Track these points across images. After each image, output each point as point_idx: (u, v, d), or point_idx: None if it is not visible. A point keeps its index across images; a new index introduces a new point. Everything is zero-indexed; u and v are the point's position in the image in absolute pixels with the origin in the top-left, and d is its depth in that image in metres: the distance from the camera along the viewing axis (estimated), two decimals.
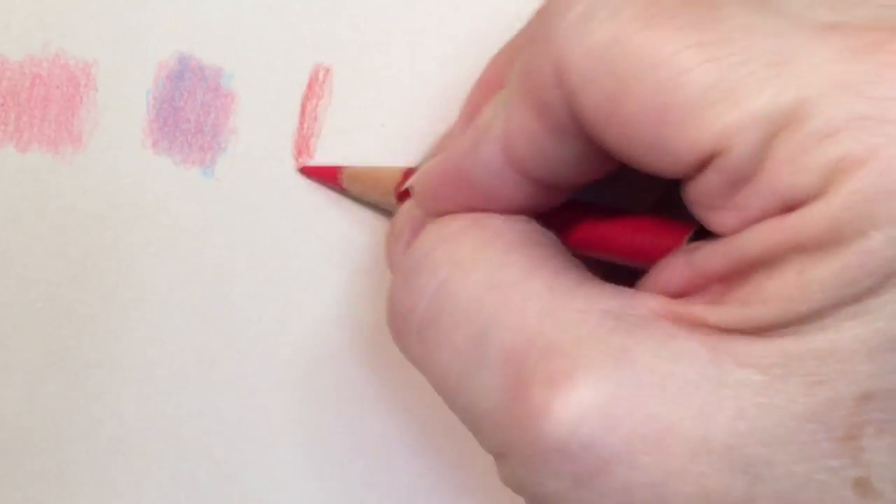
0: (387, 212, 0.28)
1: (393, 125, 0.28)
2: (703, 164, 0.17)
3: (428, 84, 0.28)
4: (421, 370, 0.21)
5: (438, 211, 0.22)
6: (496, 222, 0.21)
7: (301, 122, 0.28)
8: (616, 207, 0.22)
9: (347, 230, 0.28)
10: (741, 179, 0.17)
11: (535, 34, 0.19)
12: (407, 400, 0.29)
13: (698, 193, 0.18)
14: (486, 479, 0.29)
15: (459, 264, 0.20)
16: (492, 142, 0.20)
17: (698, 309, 0.18)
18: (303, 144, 0.28)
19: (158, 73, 0.28)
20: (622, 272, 0.21)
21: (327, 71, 0.28)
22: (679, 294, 0.18)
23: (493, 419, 0.19)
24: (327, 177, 0.27)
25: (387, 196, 0.26)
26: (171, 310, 0.28)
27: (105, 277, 0.28)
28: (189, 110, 0.28)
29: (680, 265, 0.19)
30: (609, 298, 0.19)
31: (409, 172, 0.25)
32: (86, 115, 0.28)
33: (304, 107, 0.28)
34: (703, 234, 0.19)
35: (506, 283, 0.19)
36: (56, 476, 0.29)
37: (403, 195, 0.24)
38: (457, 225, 0.21)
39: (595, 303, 0.18)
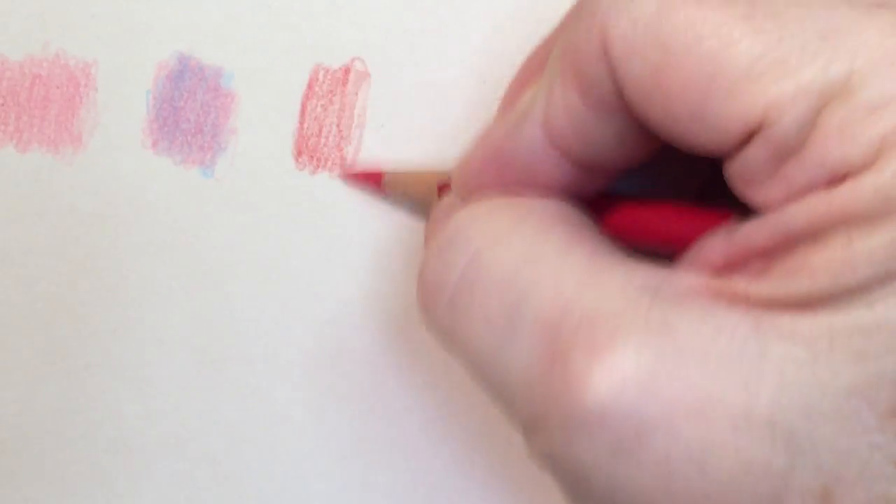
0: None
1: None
2: (749, 137, 0.17)
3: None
4: (450, 343, 0.20)
5: (478, 193, 0.22)
6: (532, 200, 0.21)
7: (301, 122, 0.28)
8: (654, 197, 0.21)
9: (348, 230, 0.28)
10: (788, 151, 0.17)
11: (578, 10, 0.19)
12: (407, 400, 0.29)
13: (742, 168, 0.18)
14: (487, 480, 0.29)
15: (494, 238, 0.20)
16: (533, 120, 0.20)
17: (740, 284, 0.17)
18: (303, 144, 0.28)
19: (158, 73, 0.28)
20: (659, 262, 0.21)
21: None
22: (719, 272, 0.18)
23: (527, 389, 0.18)
24: (370, 181, 0.27)
25: (429, 195, 0.25)
26: (171, 310, 0.28)
27: (105, 277, 0.28)
28: (189, 110, 0.28)
29: (719, 243, 0.18)
30: (647, 275, 0.18)
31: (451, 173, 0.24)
32: (86, 115, 0.28)
33: (304, 107, 0.28)
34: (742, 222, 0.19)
35: (542, 256, 0.19)
36: (56, 476, 0.29)
37: (444, 189, 0.24)
38: (492, 203, 0.21)
39: (633, 278, 0.18)
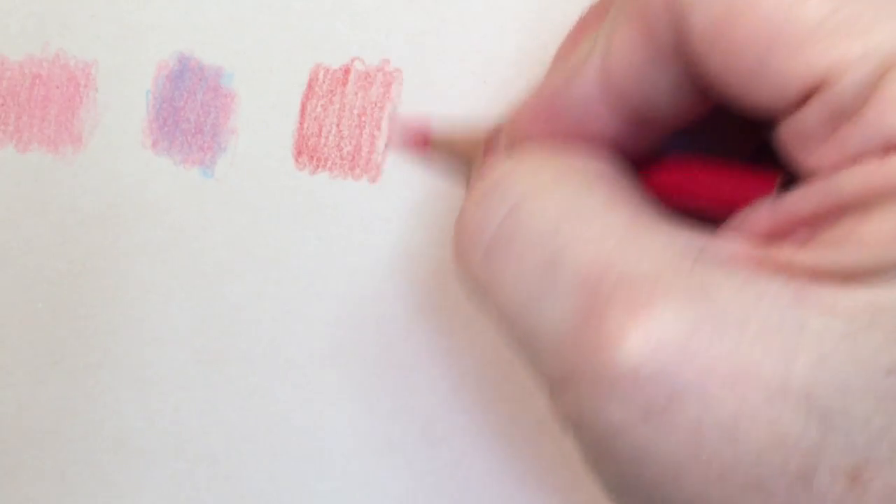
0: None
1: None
2: (807, 97, 0.17)
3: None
4: (483, 294, 0.20)
5: (529, 141, 0.21)
6: (576, 157, 0.20)
7: (301, 122, 0.28)
8: (698, 158, 0.21)
9: (348, 230, 0.28)
10: (844, 115, 0.16)
11: None
12: (407, 400, 0.29)
13: (795, 130, 0.17)
14: (487, 480, 0.29)
15: (536, 189, 0.20)
16: (590, 68, 0.20)
17: (784, 252, 0.17)
18: (303, 144, 0.28)
19: (158, 73, 0.28)
20: (703, 227, 0.20)
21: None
22: (764, 240, 0.18)
23: (560, 345, 0.18)
24: (417, 143, 0.26)
25: (475, 155, 0.25)
26: (171, 310, 0.28)
27: (105, 277, 0.28)
28: (189, 110, 0.28)
29: (765, 211, 0.18)
30: (690, 239, 0.18)
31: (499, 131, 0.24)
32: (86, 115, 0.28)
33: (303, 107, 0.28)
34: (792, 186, 0.18)
35: (584, 211, 0.19)
36: (56, 476, 0.29)
37: (490, 151, 0.23)
38: (537, 155, 0.21)
39: (675, 240, 0.18)
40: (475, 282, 0.20)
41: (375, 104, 0.28)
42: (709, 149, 0.22)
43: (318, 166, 0.28)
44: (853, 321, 0.16)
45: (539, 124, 0.21)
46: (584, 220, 0.19)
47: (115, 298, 0.28)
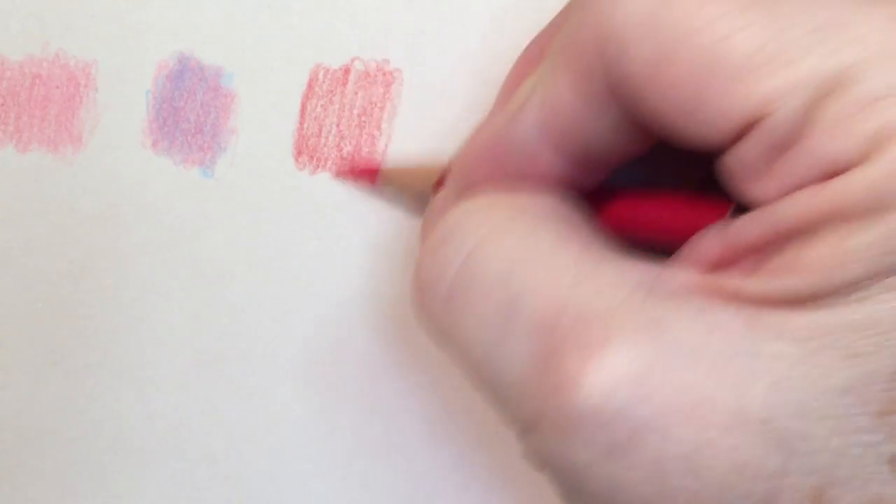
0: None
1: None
2: (745, 131, 0.17)
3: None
4: (445, 342, 0.20)
5: (473, 188, 0.22)
6: (526, 197, 0.21)
7: (301, 122, 0.28)
8: (649, 190, 0.21)
9: (348, 230, 0.28)
10: (782, 145, 0.17)
11: (576, 3, 0.19)
12: (407, 400, 0.29)
13: (736, 163, 0.18)
14: (487, 480, 0.29)
15: (488, 236, 0.20)
16: (530, 112, 0.20)
17: (732, 281, 0.17)
18: (303, 144, 0.28)
19: (158, 73, 0.28)
20: (653, 258, 0.21)
21: (347, 71, 0.28)
22: (712, 268, 0.18)
23: (522, 388, 0.18)
24: (366, 176, 0.27)
25: (425, 191, 0.25)
26: (171, 310, 0.28)
27: (105, 277, 0.28)
28: (189, 110, 0.28)
29: (713, 239, 0.18)
30: (640, 271, 0.18)
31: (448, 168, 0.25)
32: (86, 115, 0.28)
33: (303, 107, 0.28)
34: (741, 213, 0.18)
35: (535, 254, 0.19)
36: (56, 476, 0.29)
37: (440, 185, 0.24)
38: (486, 199, 0.21)
39: (626, 275, 0.18)
40: (437, 330, 0.21)
41: (375, 104, 0.28)
42: (658, 179, 0.22)
43: (318, 166, 0.28)
44: (804, 344, 0.16)
45: (485, 166, 0.21)
46: (536, 262, 0.19)
47: (115, 298, 0.28)
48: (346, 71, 0.27)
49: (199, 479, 0.29)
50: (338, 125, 0.28)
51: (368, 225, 0.28)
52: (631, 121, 0.19)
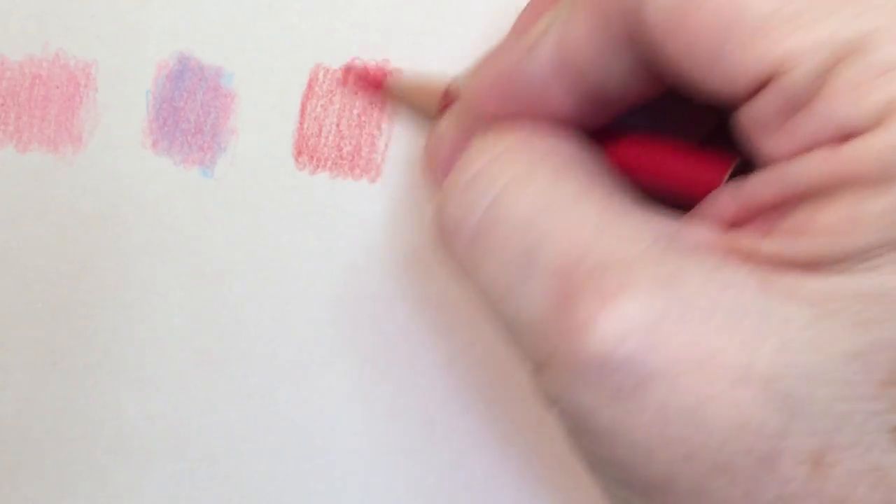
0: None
1: None
2: (762, 85, 0.17)
3: None
4: (468, 278, 0.21)
5: (482, 120, 0.22)
6: (548, 142, 0.21)
7: (301, 122, 0.28)
8: (654, 134, 0.22)
9: (347, 230, 0.28)
10: (797, 104, 0.17)
11: None
12: (407, 400, 0.29)
13: (750, 118, 0.18)
14: (487, 479, 0.29)
15: (512, 182, 0.20)
16: (547, 46, 0.20)
17: (749, 240, 0.18)
18: (303, 144, 0.28)
19: (158, 73, 0.28)
20: (670, 209, 0.21)
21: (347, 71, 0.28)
22: (729, 226, 0.18)
23: (538, 329, 0.19)
24: (370, 84, 0.27)
25: (428, 106, 0.25)
26: (171, 310, 0.28)
27: (105, 277, 0.28)
28: (189, 110, 0.28)
29: (730, 196, 0.18)
30: (659, 225, 0.19)
31: (454, 90, 0.24)
32: (86, 115, 0.28)
33: (303, 107, 0.28)
34: (747, 169, 0.19)
35: (558, 202, 0.19)
36: (56, 476, 0.29)
37: (445, 106, 0.24)
38: (508, 142, 0.21)
39: (645, 228, 0.18)
40: (461, 266, 0.21)
41: (375, 104, 0.28)
42: (666, 125, 0.22)
43: (318, 166, 0.28)
44: (815, 308, 0.16)
45: (496, 98, 0.22)
46: (558, 210, 0.19)
47: (115, 298, 0.28)
48: (347, 71, 0.27)
49: (199, 479, 0.29)
50: (338, 125, 0.28)
51: (368, 225, 0.28)
52: (646, 67, 0.19)
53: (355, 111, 0.28)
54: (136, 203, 0.28)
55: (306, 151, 0.28)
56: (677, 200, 0.20)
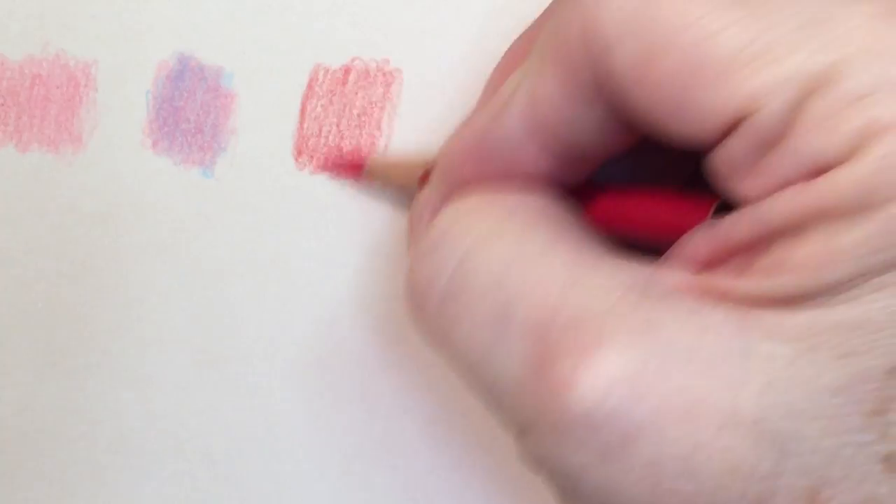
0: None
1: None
2: (731, 128, 0.17)
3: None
4: (439, 346, 0.21)
5: (459, 185, 0.22)
6: (515, 198, 0.21)
7: (301, 122, 0.28)
8: (633, 186, 0.21)
9: (347, 230, 0.28)
10: (769, 142, 0.17)
11: (561, 1, 0.19)
12: (407, 400, 0.29)
13: (723, 161, 0.18)
14: (487, 480, 0.29)
15: (480, 239, 0.20)
16: (515, 109, 0.20)
17: (723, 281, 0.17)
18: (303, 144, 0.28)
19: (158, 73, 0.28)
20: (643, 255, 0.21)
21: (347, 71, 0.28)
22: (703, 267, 0.18)
23: (517, 392, 0.18)
24: (350, 168, 0.27)
25: (410, 184, 0.25)
26: (171, 310, 0.28)
27: (105, 277, 0.28)
28: (189, 110, 0.28)
29: (703, 238, 0.18)
30: (632, 272, 0.18)
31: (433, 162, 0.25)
32: (86, 115, 0.28)
33: (303, 107, 0.28)
34: (726, 210, 0.18)
35: (527, 256, 0.19)
36: (56, 476, 0.29)
37: (425, 179, 0.24)
38: (476, 201, 0.21)
39: (618, 276, 0.18)
40: (431, 335, 0.21)
41: (375, 104, 0.28)
42: (645, 173, 0.22)
43: (318, 166, 0.28)
44: (796, 344, 0.16)
45: (470, 163, 0.21)
46: (528, 265, 0.19)
47: (115, 298, 0.28)
48: (346, 71, 0.27)
49: (199, 479, 0.29)
50: (338, 125, 0.28)
51: (368, 225, 0.28)
52: (617, 117, 0.19)
53: (355, 111, 0.28)
54: (135, 203, 0.28)
55: (306, 151, 0.28)
56: (663, 248, 0.20)
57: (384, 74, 0.27)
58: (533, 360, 0.18)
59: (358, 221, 0.28)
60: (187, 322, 0.28)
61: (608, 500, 0.17)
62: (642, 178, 0.22)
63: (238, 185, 0.28)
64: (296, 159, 0.28)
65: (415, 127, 0.27)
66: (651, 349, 0.17)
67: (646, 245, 0.20)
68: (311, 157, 0.28)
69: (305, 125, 0.28)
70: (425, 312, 0.21)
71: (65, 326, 0.29)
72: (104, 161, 0.28)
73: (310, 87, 0.28)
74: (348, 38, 0.27)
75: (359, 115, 0.28)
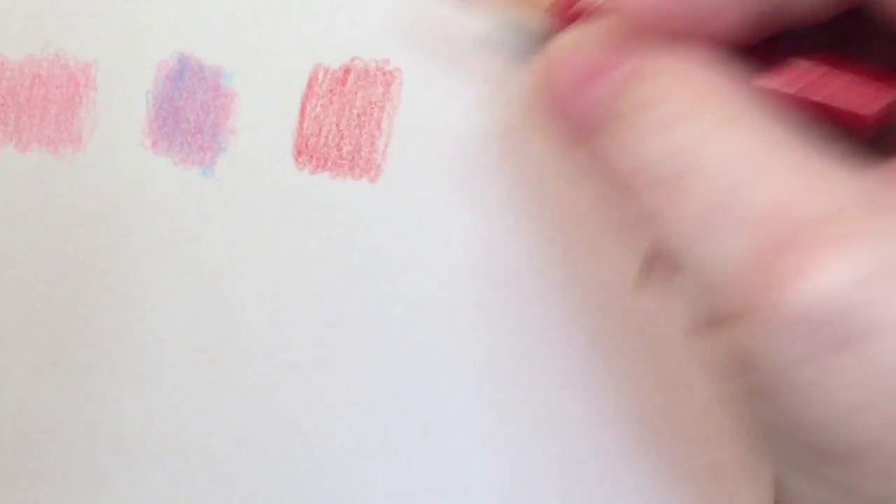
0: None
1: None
2: None
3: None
4: (650, 221, 0.20)
5: (640, 32, 0.20)
6: (721, 74, 0.20)
7: (301, 122, 0.28)
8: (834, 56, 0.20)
9: (347, 230, 0.28)
10: None
11: None
12: (407, 400, 0.29)
13: None
14: (487, 480, 0.29)
15: (708, 127, 0.19)
16: None
17: None
18: (303, 144, 0.28)
19: (158, 73, 0.28)
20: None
21: (347, 71, 0.28)
22: None
23: (730, 279, 0.18)
24: None
25: (531, 14, 0.23)
26: (171, 310, 0.28)
27: (105, 277, 0.28)
28: (189, 110, 0.28)
29: None
30: (865, 179, 0.18)
31: None
32: (86, 115, 0.28)
33: (303, 107, 0.28)
34: None
35: (764, 149, 0.19)
36: (56, 476, 0.29)
37: (568, 16, 0.22)
38: (704, 80, 0.20)
39: (852, 182, 0.18)
40: (645, 211, 0.20)
41: (375, 104, 0.28)
42: (840, 47, 0.21)
43: (317, 166, 0.28)
44: None
45: (662, 13, 0.20)
46: (764, 158, 0.19)
47: (115, 298, 0.28)
48: (346, 71, 0.27)
49: (199, 479, 0.29)
50: (338, 125, 0.28)
51: (368, 225, 0.28)
52: None
53: (355, 111, 0.28)
54: (135, 203, 0.28)
55: (306, 151, 0.28)
56: (841, 127, 0.19)
57: (384, 74, 0.27)
58: (754, 250, 0.18)
59: (358, 221, 0.28)
60: (187, 322, 0.28)
61: (809, 401, 0.17)
62: (835, 51, 0.20)
63: (238, 185, 0.28)
64: (296, 159, 0.28)
65: (415, 127, 0.27)
66: (882, 257, 0.17)
67: (830, 123, 0.20)
68: (311, 157, 0.28)
69: (305, 125, 0.28)
70: (630, 191, 0.20)
71: (65, 326, 0.29)
72: (104, 161, 0.28)
73: (310, 86, 0.28)
74: (348, 38, 0.27)
75: (359, 115, 0.28)
